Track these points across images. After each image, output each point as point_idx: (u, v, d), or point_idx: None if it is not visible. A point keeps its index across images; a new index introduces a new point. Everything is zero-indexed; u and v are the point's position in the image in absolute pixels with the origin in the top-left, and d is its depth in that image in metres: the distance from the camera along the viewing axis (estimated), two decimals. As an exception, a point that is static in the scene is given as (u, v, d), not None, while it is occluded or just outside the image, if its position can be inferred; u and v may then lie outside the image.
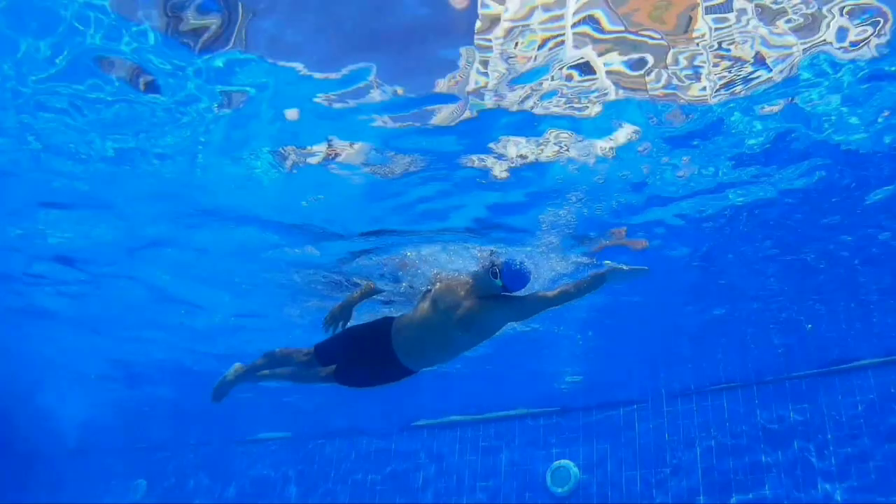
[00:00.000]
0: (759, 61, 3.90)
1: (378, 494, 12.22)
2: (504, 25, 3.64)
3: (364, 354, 5.13)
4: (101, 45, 3.79)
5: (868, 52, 3.82)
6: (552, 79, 4.02)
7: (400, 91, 4.13)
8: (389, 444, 12.63)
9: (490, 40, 3.74)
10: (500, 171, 4.98)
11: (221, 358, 10.99)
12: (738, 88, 4.12)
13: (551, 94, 4.16)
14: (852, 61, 3.91)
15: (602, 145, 4.69)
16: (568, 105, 4.26)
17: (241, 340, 10.32)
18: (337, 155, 4.82)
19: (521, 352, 9.71)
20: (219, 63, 3.94)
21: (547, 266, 6.33)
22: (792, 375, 9.58)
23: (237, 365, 5.36)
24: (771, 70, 3.97)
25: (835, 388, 9.18)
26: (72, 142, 4.83)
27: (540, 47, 3.78)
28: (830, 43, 3.75)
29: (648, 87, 4.09)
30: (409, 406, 11.86)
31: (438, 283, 5.38)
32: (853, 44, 3.77)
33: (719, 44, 3.77)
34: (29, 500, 17.12)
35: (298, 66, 3.97)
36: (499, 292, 4.94)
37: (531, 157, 4.81)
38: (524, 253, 6.09)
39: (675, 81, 4.05)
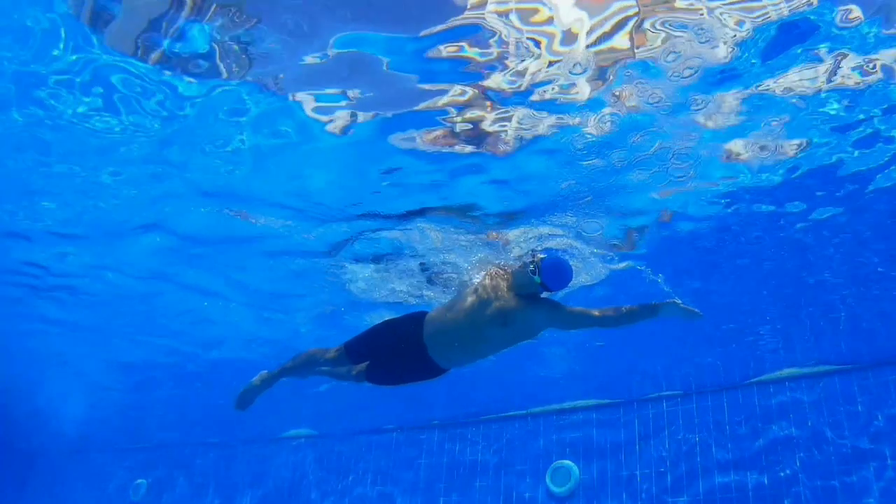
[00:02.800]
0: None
1: (379, 495, 12.18)
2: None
3: (394, 349, 5.01)
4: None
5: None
6: (550, 63, 4.03)
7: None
8: (389, 444, 12.61)
9: (483, 16, 3.71)
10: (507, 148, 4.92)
11: (225, 359, 11.06)
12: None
13: (547, 81, 4.15)
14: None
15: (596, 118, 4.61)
16: (561, 90, 4.25)
17: (245, 345, 10.34)
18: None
19: (521, 351, 9.67)
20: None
21: (583, 262, 6.25)
22: (795, 374, 9.56)
23: (263, 372, 5.22)
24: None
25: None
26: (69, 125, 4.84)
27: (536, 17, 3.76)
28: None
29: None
30: (408, 407, 11.83)
31: (476, 278, 5.30)
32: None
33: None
34: (29, 500, 17.11)
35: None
36: (538, 291, 4.78)
37: (534, 132, 4.73)
38: (562, 249, 6.01)
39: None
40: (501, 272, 5.26)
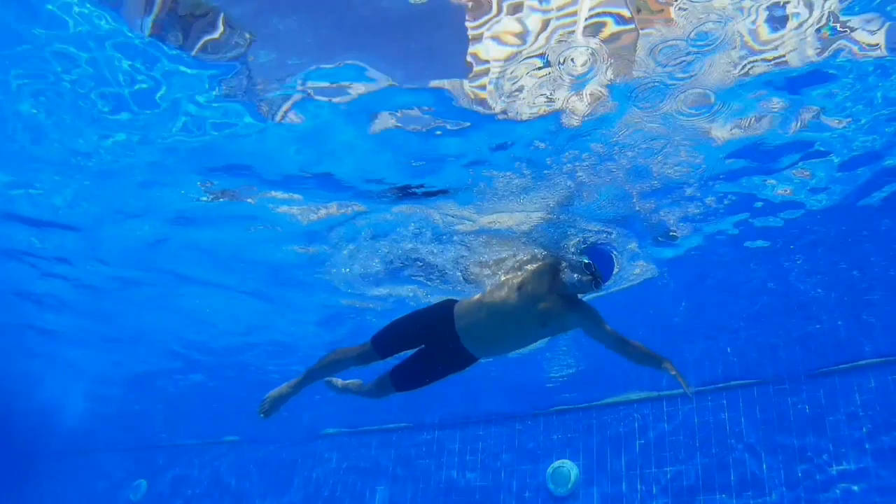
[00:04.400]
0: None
1: (375, 494, 12.20)
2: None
3: (426, 338, 4.98)
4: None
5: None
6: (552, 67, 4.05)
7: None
8: (390, 444, 12.62)
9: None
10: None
11: (225, 359, 11.07)
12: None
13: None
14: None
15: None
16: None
17: (247, 343, 10.33)
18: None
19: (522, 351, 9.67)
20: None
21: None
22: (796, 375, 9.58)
23: (291, 381, 5.06)
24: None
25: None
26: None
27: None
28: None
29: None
30: (411, 407, 11.85)
31: (520, 272, 5.30)
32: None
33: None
34: (28, 499, 17.11)
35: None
36: (591, 291, 4.82)
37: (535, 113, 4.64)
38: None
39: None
40: (544, 268, 5.18)
